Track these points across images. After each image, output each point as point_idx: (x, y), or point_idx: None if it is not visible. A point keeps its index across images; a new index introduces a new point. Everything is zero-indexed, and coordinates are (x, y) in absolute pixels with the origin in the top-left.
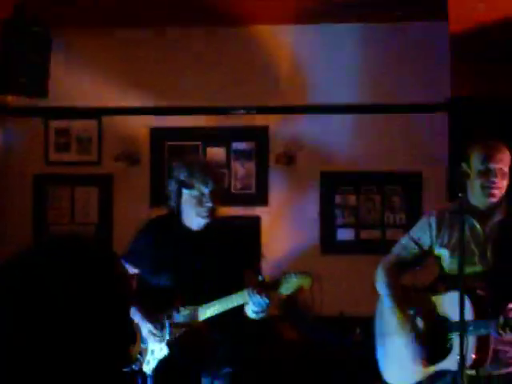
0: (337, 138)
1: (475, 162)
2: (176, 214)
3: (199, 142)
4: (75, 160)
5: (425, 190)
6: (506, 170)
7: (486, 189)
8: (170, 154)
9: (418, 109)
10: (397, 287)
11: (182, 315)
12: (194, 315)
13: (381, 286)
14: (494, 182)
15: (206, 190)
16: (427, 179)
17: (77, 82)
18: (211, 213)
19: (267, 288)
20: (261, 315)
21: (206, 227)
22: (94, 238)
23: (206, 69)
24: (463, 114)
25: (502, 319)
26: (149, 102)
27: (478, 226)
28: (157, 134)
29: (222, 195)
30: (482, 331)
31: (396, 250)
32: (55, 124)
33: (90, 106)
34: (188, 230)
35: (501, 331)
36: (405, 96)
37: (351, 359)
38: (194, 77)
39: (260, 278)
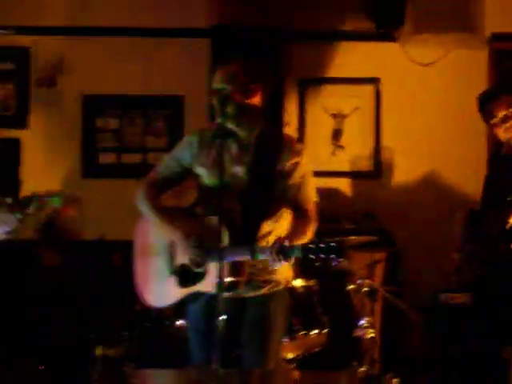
0: (100, 61)
1: None
2: None
3: None
4: None
5: (187, 114)
6: (230, 88)
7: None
8: None
9: (182, 33)
10: (160, 207)
11: None
12: None
13: (144, 207)
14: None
15: None
16: (189, 103)
17: None
18: None
19: (17, 207)
20: (9, 236)
21: None
22: None
23: None
24: (224, 39)
25: (276, 246)
26: None
27: (233, 147)
28: None
29: None
30: (238, 257)
31: (158, 168)
32: None
33: None
34: None
35: (275, 257)
36: (170, 20)
37: (112, 283)
38: None
39: (8, 199)
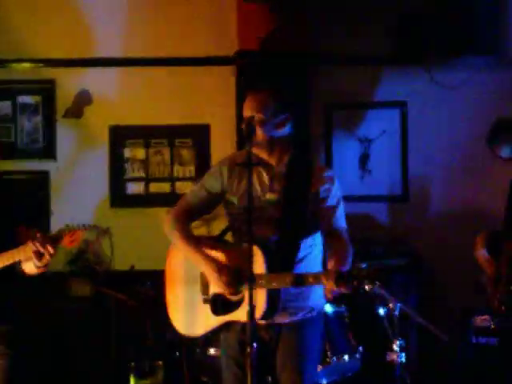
0: (125, 92)
1: None
2: None
3: None
4: None
5: (213, 142)
6: (260, 117)
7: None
8: None
9: (206, 62)
10: (190, 236)
11: None
12: None
13: (173, 236)
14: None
15: None
16: (216, 131)
17: None
18: None
19: (48, 243)
20: (42, 269)
21: None
22: None
23: None
24: (249, 66)
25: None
26: None
27: (264, 175)
28: None
29: None
30: (273, 285)
31: (188, 197)
32: None
33: None
34: None
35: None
36: (193, 49)
37: (143, 311)
38: None
39: (40, 233)
